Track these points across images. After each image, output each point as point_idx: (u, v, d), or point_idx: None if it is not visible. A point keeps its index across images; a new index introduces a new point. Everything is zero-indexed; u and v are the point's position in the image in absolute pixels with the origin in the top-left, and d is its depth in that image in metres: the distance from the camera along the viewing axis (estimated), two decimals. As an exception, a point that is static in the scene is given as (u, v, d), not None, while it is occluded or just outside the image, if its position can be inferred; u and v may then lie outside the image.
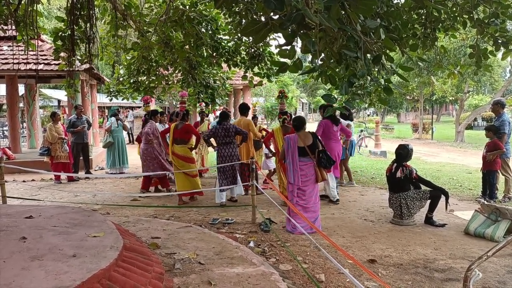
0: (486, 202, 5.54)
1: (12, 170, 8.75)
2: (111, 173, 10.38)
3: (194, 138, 7.54)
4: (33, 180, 9.71)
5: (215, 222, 5.69)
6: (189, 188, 7.04)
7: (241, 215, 6.12)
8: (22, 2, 5.10)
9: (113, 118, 10.62)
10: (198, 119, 10.75)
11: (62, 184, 9.30)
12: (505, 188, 6.96)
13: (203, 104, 10.17)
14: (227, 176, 6.84)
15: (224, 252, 3.73)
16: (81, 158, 10.22)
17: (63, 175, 9.35)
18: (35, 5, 4.88)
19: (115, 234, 3.09)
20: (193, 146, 7.41)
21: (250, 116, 8.37)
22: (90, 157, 10.84)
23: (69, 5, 4.66)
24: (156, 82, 9.21)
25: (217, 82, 9.84)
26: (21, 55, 10.17)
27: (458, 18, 5.36)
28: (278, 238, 4.84)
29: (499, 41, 5.20)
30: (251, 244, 4.65)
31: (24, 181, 9.34)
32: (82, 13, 4.93)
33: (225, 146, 6.87)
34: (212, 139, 7.13)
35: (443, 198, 5.49)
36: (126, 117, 21.15)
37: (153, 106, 15.21)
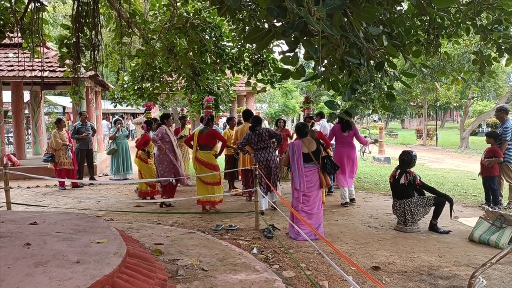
0: (490, 209, 5.50)
1: (17, 177, 8.79)
2: (115, 179, 10.42)
3: (219, 144, 7.30)
4: (37, 186, 9.76)
5: (218, 228, 5.68)
6: (203, 194, 6.73)
7: (244, 222, 6.11)
8: (28, 10, 5.16)
9: (104, 121, 10.67)
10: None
11: (66, 190, 9.34)
12: (509, 195, 6.92)
13: (185, 109, 10.16)
14: (264, 182, 6.43)
15: (227, 259, 3.72)
16: (86, 164, 10.27)
17: (67, 181, 9.39)
18: (41, 13, 4.93)
19: (119, 241, 3.10)
20: (217, 152, 7.15)
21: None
22: (94, 164, 10.88)
23: (74, 12, 4.71)
24: (160, 89, 9.26)
25: (221, 88, 9.89)
26: (27, 62, 10.25)
27: (461, 24, 5.37)
28: (282, 245, 4.83)
29: (503, 47, 5.20)
30: (254, 250, 4.65)
31: (28, 187, 9.38)
32: (87, 20, 4.97)
33: (260, 151, 6.66)
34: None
35: (447, 204, 5.47)
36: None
37: (157, 112, 15.29)
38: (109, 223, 4.21)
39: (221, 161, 9.19)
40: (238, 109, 13.77)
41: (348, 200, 7.26)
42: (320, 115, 9.11)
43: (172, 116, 8.47)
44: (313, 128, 6.97)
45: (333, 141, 7.67)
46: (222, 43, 8.27)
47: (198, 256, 3.77)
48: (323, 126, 8.59)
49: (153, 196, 8.04)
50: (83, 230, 3.39)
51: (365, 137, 16.72)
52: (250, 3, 5.45)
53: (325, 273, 4.06)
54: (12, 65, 11.00)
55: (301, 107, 7.52)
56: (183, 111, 10.50)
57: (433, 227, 5.57)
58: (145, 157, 7.85)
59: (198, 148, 6.86)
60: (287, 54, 2.98)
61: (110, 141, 10.69)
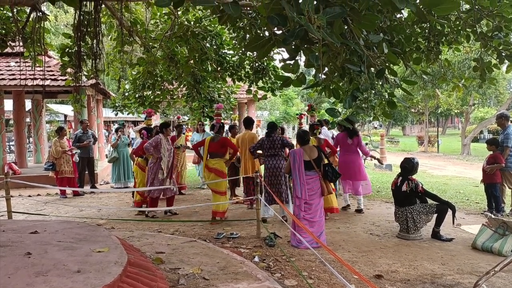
0: (493, 216, 5.47)
1: (18, 185, 8.77)
2: (116, 188, 10.41)
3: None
4: (38, 194, 9.74)
5: (219, 236, 5.65)
6: (214, 205, 6.56)
7: (245, 230, 6.09)
8: (30, 19, 5.19)
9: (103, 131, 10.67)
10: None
11: (67, 198, 9.32)
12: (512, 202, 6.90)
13: (181, 117, 10.16)
14: (272, 190, 6.28)
15: (228, 267, 3.70)
16: (87, 172, 10.26)
17: (69, 190, 9.38)
18: (43, 22, 4.96)
19: (120, 249, 3.08)
20: (227, 160, 6.93)
21: (255, 130, 8.39)
22: (95, 172, 10.88)
23: (76, 21, 4.73)
24: (161, 97, 9.29)
25: (222, 96, 9.91)
26: (28, 71, 10.30)
27: (461, 31, 5.38)
28: (283, 253, 4.80)
29: (503, 54, 5.21)
30: (256, 259, 4.62)
31: (29, 196, 9.36)
32: (88, 29, 5.00)
33: (271, 158, 6.57)
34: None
35: (450, 212, 5.44)
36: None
37: (157, 120, 15.30)
38: (110, 231, 4.19)
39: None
40: (233, 117, 13.79)
41: (349, 203, 7.49)
42: (320, 123, 9.11)
43: (172, 124, 8.44)
44: (319, 136, 6.99)
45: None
46: (223, 51, 8.31)
47: (199, 264, 3.75)
48: (326, 134, 8.59)
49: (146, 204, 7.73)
50: (84, 239, 3.37)
51: (366, 144, 16.76)
52: (250, 12, 5.48)
53: (327, 281, 4.03)
54: (13, 74, 11.06)
55: (297, 114, 7.50)
56: (179, 119, 10.44)
57: (435, 235, 5.54)
58: (144, 164, 7.63)
59: (208, 156, 6.74)
60: (287, 62, 2.99)
61: (112, 149, 10.70)
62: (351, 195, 7.69)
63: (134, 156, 7.91)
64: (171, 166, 7.16)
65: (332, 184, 6.71)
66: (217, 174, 6.64)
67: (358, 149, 7.31)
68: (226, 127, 10.34)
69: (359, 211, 7.26)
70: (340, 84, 3.98)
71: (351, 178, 7.21)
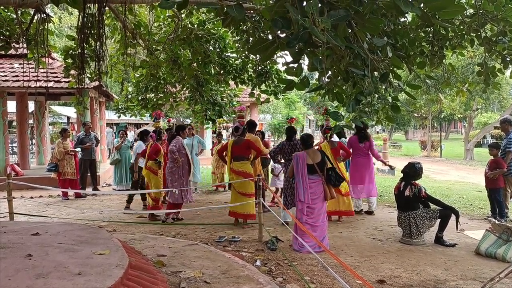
0: (497, 222, 5.43)
1: (20, 187, 8.79)
2: (118, 190, 10.40)
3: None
4: (40, 196, 9.75)
5: (221, 240, 5.63)
6: (237, 208, 6.43)
7: (247, 233, 6.06)
8: (34, 21, 5.20)
9: (108, 129, 10.63)
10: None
11: (69, 200, 9.32)
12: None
13: (172, 120, 10.08)
14: (292, 193, 6.24)
15: (230, 271, 3.68)
16: (89, 174, 10.27)
17: (71, 191, 9.38)
18: (47, 24, 4.97)
19: (121, 252, 3.07)
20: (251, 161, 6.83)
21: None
22: (97, 174, 10.88)
23: (79, 24, 4.73)
24: (164, 99, 9.29)
25: (225, 99, 9.90)
26: (32, 72, 10.32)
27: (465, 36, 5.36)
28: (285, 257, 4.78)
29: (507, 59, 5.19)
30: (258, 263, 4.60)
31: (32, 198, 9.37)
32: (92, 31, 5.00)
33: (291, 162, 6.51)
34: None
35: (453, 217, 5.40)
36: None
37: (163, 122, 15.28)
38: (112, 234, 4.18)
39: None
40: (219, 121, 13.38)
41: (362, 208, 7.51)
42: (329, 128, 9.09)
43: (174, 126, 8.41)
44: (331, 139, 7.01)
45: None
46: (226, 54, 8.31)
47: (201, 268, 3.72)
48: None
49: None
50: (85, 241, 3.36)
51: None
52: (254, 15, 5.48)
53: (329, 286, 4.00)
54: (17, 76, 11.09)
55: (287, 118, 7.51)
56: (169, 122, 10.30)
57: (438, 240, 5.50)
58: (156, 168, 7.37)
59: (233, 159, 6.64)
60: (291, 65, 2.97)
61: (114, 151, 10.70)
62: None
63: (142, 159, 7.59)
64: (189, 169, 7.09)
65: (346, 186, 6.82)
66: (245, 176, 6.53)
67: (370, 153, 7.40)
68: (226, 131, 10.32)
69: (370, 212, 7.37)
70: (344, 88, 3.96)
71: (363, 181, 7.27)
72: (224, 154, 7.10)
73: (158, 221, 7.07)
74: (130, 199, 8.12)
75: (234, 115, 14.80)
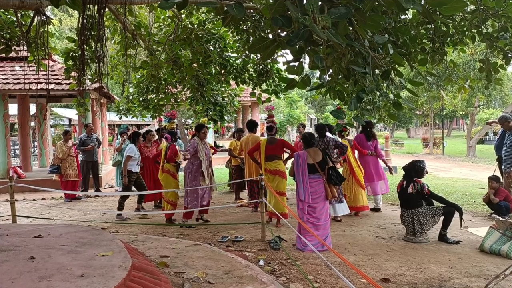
0: (501, 218, 5.41)
1: (23, 189, 8.79)
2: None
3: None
4: (43, 198, 9.76)
5: (224, 240, 5.63)
6: (273, 206, 6.14)
7: (250, 233, 6.05)
8: (34, 23, 5.20)
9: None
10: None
11: (71, 202, 9.32)
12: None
13: (163, 119, 9.94)
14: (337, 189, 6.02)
15: (233, 271, 3.67)
16: (91, 176, 10.27)
17: (74, 194, 9.38)
18: (47, 26, 4.96)
19: (124, 253, 3.06)
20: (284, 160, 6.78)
21: (258, 133, 8.35)
22: (99, 175, 10.88)
23: (80, 25, 4.73)
24: (165, 100, 9.28)
25: (226, 99, 9.89)
26: (33, 75, 10.33)
27: (466, 32, 5.35)
28: (289, 256, 4.77)
29: (509, 55, 5.17)
30: (261, 262, 4.59)
31: (34, 200, 9.38)
32: (92, 33, 5.00)
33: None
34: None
35: (456, 214, 5.38)
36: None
37: (156, 125, 15.28)
38: (114, 235, 4.17)
39: (227, 172, 9.10)
40: (202, 120, 12.89)
41: (380, 206, 7.57)
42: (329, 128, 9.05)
43: (177, 127, 8.38)
44: (347, 138, 7.11)
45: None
46: (227, 54, 8.29)
47: (204, 268, 3.71)
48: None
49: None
50: (88, 243, 3.35)
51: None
52: (254, 14, 5.47)
53: (333, 285, 3.99)
54: (18, 78, 11.09)
55: (268, 115, 7.48)
56: (161, 122, 10.06)
57: (442, 238, 5.48)
58: (174, 170, 6.96)
59: (266, 159, 6.57)
60: (292, 63, 2.96)
61: (116, 152, 10.70)
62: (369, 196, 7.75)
63: (160, 161, 7.13)
64: (211, 170, 6.87)
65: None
66: (282, 176, 6.52)
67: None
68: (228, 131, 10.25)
69: (376, 209, 7.43)
70: (345, 86, 3.95)
71: (369, 179, 7.33)
72: (254, 154, 6.81)
73: (177, 225, 6.73)
74: (121, 206, 7.43)
75: (235, 115, 14.79)
